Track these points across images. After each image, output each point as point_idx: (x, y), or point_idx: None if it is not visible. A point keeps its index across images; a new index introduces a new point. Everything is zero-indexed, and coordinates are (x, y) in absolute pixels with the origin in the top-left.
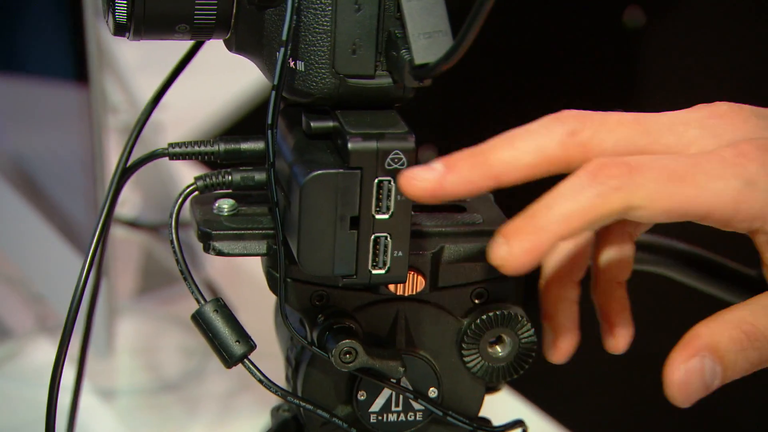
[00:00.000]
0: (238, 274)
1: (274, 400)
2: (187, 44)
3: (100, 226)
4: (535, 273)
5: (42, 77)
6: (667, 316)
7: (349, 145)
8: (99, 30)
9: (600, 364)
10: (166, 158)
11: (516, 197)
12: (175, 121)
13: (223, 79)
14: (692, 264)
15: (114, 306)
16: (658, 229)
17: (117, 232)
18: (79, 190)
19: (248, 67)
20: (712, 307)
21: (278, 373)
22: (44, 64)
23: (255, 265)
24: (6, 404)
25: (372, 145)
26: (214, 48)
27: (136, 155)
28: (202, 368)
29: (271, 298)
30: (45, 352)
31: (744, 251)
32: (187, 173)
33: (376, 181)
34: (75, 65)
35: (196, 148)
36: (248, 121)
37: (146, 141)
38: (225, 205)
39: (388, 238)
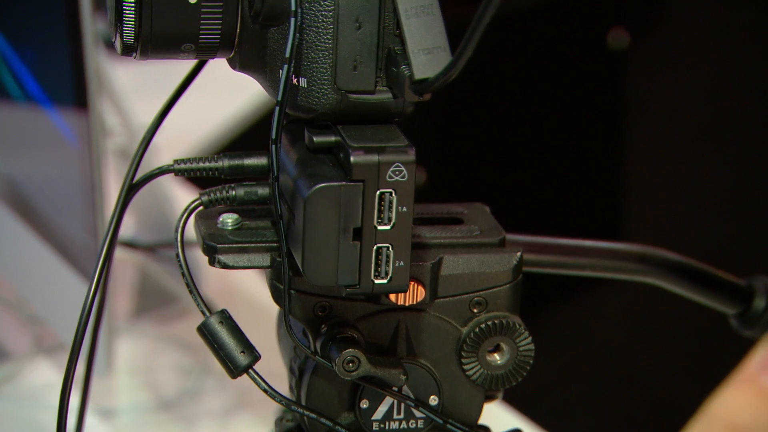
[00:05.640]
0: (234, 293)
1: (271, 417)
2: (184, 66)
3: (107, 243)
4: (531, 282)
5: (41, 103)
6: (661, 328)
7: (352, 159)
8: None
9: (596, 379)
10: (161, 179)
11: (511, 208)
12: (170, 143)
13: (215, 100)
14: (684, 274)
15: (113, 326)
16: (651, 239)
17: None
18: (76, 211)
19: (240, 87)
20: (704, 318)
21: (278, 388)
22: (44, 90)
23: (251, 284)
24: (5, 425)
25: (374, 158)
26: (207, 70)
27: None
28: (200, 387)
29: (268, 316)
30: (43, 372)
31: (735, 262)
32: (181, 194)
33: (377, 193)
34: (74, 91)
35: (201, 164)
36: (242, 141)
37: (143, 163)
38: (229, 219)
39: (390, 249)
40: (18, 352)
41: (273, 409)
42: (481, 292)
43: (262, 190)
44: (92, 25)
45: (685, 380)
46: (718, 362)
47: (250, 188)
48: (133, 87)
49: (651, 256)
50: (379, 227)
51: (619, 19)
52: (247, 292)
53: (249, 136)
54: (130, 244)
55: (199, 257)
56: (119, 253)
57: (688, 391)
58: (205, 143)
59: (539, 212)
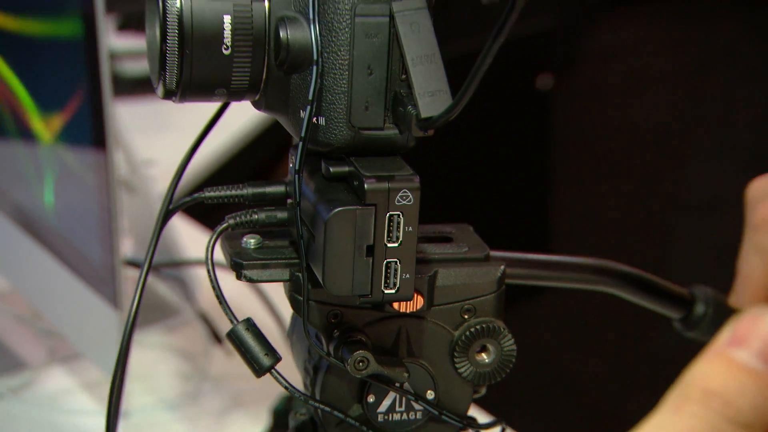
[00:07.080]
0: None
1: (263, 415)
2: (176, 108)
3: (146, 265)
4: (513, 291)
5: (60, 141)
6: (617, 330)
7: (366, 186)
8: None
9: (569, 381)
10: (157, 206)
11: (492, 227)
12: (164, 175)
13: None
14: (636, 284)
15: None
16: (604, 252)
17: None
18: (93, 234)
19: (224, 122)
20: (652, 320)
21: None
22: (64, 130)
23: (243, 300)
24: (23, 427)
25: (384, 185)
26: (190, 109)
27: (127, 201)
28: (199, 390)
29: (263, 328)
30: (57, 379)
31: (677, 273)
32: (177, 219)
33: (387, 215)
34: (92, 131)
35: (227, 192)
36: (228, 171)
37: (142, 192)
38: (252, 239)
39: (398, 263)
40: (34, 361)
41: (265, 406)
42: (470, 301)
43: (281, 214)
44: (110, 73)
45: (631, 381)
46: (664, 361)
47: (271, 212)
48: (133, 124)
49: (608, 268)
50: (389, 245)
51: (544, 65)
52: (241, 305)
53: (232, 167)
54: (135, 264)
55: (194, 273)
56: (125, 271)
57: (634, 393)
58: (194, 173)
59: (511, 230)
